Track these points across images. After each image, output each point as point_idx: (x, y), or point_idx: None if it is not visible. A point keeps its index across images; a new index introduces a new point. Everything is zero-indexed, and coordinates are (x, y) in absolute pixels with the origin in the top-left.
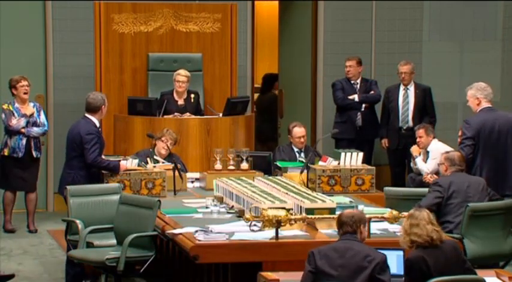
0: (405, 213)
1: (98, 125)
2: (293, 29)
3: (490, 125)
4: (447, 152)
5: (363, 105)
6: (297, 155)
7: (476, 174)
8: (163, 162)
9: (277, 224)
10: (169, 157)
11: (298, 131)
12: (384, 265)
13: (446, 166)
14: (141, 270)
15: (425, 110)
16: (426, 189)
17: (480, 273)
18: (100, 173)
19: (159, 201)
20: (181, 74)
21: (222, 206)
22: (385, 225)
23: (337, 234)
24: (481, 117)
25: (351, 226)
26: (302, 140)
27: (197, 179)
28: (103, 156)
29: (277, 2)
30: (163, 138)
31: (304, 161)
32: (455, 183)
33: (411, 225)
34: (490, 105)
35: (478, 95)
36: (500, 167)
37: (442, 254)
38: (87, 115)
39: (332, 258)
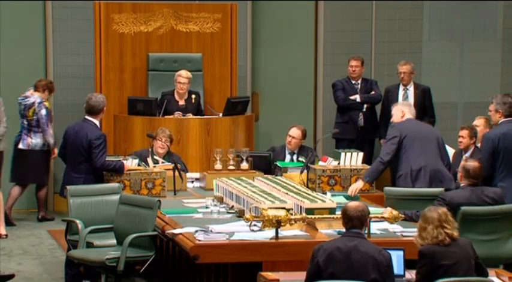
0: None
1: (99, 126)
2: (270, 30)
3: (415, 129)
4: (466, 160)
5: (364, 106)
6: (288, 157)
7: (415, 170)
8: (163, 162)
9: (277, 224)
10: (168, 156)
11: (292, 131)
12: (388, 269)
13: (461, 175)
14: (141, 270)
15: (424, 110)
16: (426, 189)
17: None
18: (103, 174)
19: (159, 201)
20: (183, 76)
21: (222, 206)
22: (385, 225)
23: (343, 229)
24: (406, 122)
25: (360, 221)
26: (290, 139)
27: (197, 179)
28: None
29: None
30: (157, 138)
31: (303, 161)
32: (465, 205)
33: (421, 228)
34: (412, 117)
35: (403, 109)
36: (433, 166)
37: (453, 252)
38: (88, 117)
39: (336, 260)
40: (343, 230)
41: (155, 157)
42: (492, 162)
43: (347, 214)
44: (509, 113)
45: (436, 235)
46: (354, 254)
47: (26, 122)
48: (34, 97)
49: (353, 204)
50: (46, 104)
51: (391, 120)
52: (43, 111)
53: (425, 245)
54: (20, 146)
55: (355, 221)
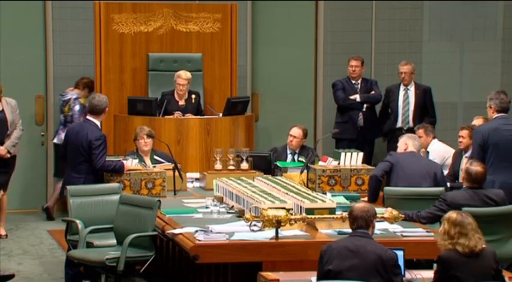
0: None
1: (100, 127)
2: (270, 30)
3: (409, 164)
4: (471, 164)
5: (364, 105)
6: (289, 156)
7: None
8: (160, 162)
9: (277, 224)
10: (153, 152)
11: (293, 130)
12: (395, 269)
13: (463, 177)
14: (141, 270)
15: (425, 110)
16: (426, 189)
17: None
18: (103, 174)
19: (159, 201)
20: (182, 77)
21: (222, 206)
22: (385, 225)
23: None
24: (404, 154)
25: (365, 221)
26: (291, 138)
27: (197, 179)
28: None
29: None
30: (138, 137)
31: (303, 161)
32: (466, 206)
33: (460, 234)
34: (415, 151)
35: (407, 142)
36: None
37: (477, 263)
38: (89, 118)
39: (345, 258)
40: (343, 230)
41: (157, 157)
42: (482, 156)
43: (352, 214)
44: (500, 108)
45: (477, 241)
46: (362, 253)
47: (62, 118)
48: (71, 93)
49: (359, 205)
50: (81, 100)
51: (399, 149)
52: (77, 107)
53: (446, 251)
54: (55, 140)
55: (360, 221)
